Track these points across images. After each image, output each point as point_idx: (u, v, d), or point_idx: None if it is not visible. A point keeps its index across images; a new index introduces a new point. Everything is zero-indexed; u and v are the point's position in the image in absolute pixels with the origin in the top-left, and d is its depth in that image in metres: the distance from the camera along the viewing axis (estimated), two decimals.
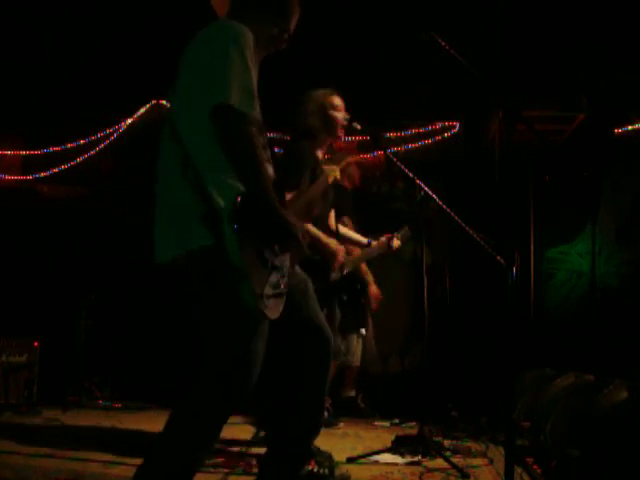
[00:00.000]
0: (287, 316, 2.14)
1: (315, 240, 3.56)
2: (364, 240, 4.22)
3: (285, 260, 2.06)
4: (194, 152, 1.94)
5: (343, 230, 4.05)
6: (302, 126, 3.63)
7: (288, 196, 3.42)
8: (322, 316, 2.31)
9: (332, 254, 3.64)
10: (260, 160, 1.93)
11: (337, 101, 3.62)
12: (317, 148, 3.60)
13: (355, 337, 4.95)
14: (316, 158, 3.57)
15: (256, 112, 2.03)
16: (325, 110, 3.58)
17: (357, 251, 4.22)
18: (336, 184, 3.74)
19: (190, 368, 1.98)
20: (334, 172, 3.16)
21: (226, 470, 3.02)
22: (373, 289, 4.18)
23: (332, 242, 3.67)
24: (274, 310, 1.97)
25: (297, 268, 2.26)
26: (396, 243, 4.16)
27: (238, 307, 1.90)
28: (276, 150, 6.39)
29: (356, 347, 4.98)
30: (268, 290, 1.93)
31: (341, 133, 3.63)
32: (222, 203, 1.87)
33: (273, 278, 1.96)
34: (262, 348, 1.99)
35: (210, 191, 1.89)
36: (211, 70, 1.94)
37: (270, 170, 2.12)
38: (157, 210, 2.06)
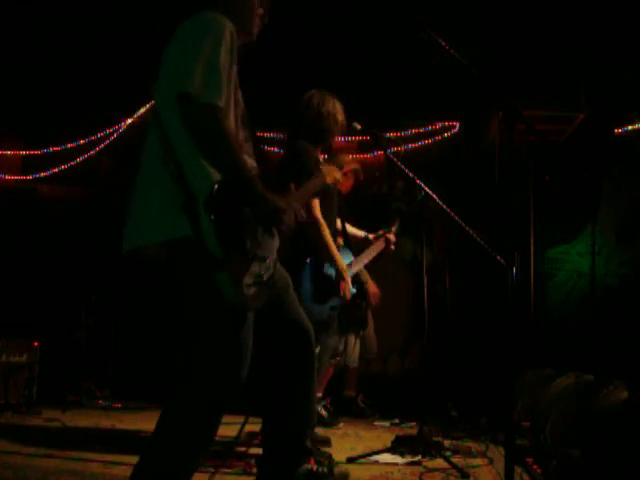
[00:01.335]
0: (269, 312, 2.14)
1: (330, 255, 3.63)
2: (361, 234, 4.28)
3: (270, 252, 2.04)
4: (175, 142, 1.94)
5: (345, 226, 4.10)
6: (306, 126, 3.66)
7: (317, 202, 3.51)
8: (302, 311, 2.32)
9: (341, 271, 3.70)
10: (232, 144, 1.92)
11: (338, 105, 3.70)
12: (317, 148, 3.66)
13: (353, 338, 4.96)
14: (317, 158, 3.63)
15: (240, 102, 2.04)
16: (335, 114, 3.64)
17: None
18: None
19: (179, 364, 1.97)
20: (334, 173, 3.16)
21: (226, 470, 3.02)
22: (371, 286, 4.21)
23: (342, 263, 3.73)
24: (256, 299, 1.94)
25: (278, 264, 2.25)
26: (392, 238, 4.23)
27: (218, 298, 1.88)
28: (276, 150, 6.41)
29: (354, 348, 4.99)
30: (248, 279, 1.90)
31: (338, 136, 3.72)
32: (200, 192, 1.86)
33: (255, 268, 1.94)
34: (249, 339, 1.97)
35: (189, 180, 1.89)
36: (180, 61, 1.94)
37: (251, 162, 2.11)
38: (135, 197, 2.05)
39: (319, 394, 4.29)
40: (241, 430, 3.43)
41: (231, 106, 2.03)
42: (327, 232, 3.61)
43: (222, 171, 1.91)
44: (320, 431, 3.90)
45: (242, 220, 1.92)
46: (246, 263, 1.91)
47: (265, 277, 1.98)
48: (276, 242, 2.10)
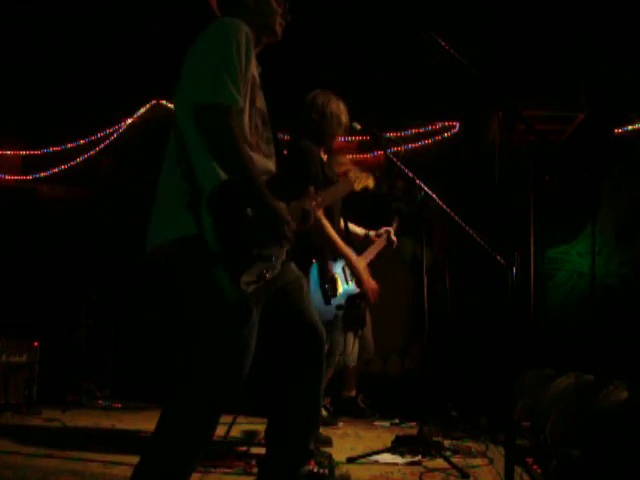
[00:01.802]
0: (282, 314, 2.14)
1: (338, 251, 3.65)
2: (362, 232, 4.28)
3: (276, 253, 2.04)
4: (189, 142, 1.99)
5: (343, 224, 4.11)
6: (309, 126, 3.67)
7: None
8: (315, 313, 2.32)
9: (352, 265, 3.71)
10: (239, 149, 1.94)
11: (343, 105, 3.71)
12: (320, 148, 3.67)
13: (352, 338, 4.96)
14: (321, 158, 3.66)
15: (260, 104, 2.10)
16: (339, 115, 3.66)
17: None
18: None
19: (179, 364, 1.97)
20: (366, 181, 3.19)
21: (226, 470, 3.02)
22: (370, 283, 4.24)
23: (352, 255, 3.75)
24: (254, 297, 1.94)
25: (292, 265, 2.25)
26: (394, 238, 4.25)
27: (219, 297, 1.89)
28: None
29: (352, 348, 4.99)
30: (247, 277, 1.91)
31: (341, 137, 3.73)
32: (207, 191, 1.90)
33: (256, 268, 1.94)
34: (251, 339, 1.97)
35: (199, 179, 1.92)
36: (198, 66, 2.00)
37: (267, 164, 2.12)
38: (155, 196, 2.09)
39: None
40: (229, 430, 3.44)
41: (246, 107, 2.05)
42: (331, 229, 3.61)
43: (230, 174, 1.94)
44: (321, 431, 3.90)
45: (244, 220, 1.92)
46: (247, 262, 1.92)
47: (268, 276, 1.98)
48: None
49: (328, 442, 3.72)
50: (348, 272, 3.80)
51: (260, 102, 2.16)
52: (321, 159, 3.68)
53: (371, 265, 4.33)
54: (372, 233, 4.29)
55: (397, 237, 4.39)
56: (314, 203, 2.34)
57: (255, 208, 1.95)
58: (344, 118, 3.70)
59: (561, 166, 5.44)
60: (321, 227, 3.58)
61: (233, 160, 1.94)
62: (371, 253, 4.19)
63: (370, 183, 3.22)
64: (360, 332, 4.77)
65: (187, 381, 1.94)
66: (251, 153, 2.03)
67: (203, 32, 2.07)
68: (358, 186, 3.14)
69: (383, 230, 4.28)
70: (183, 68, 2.09)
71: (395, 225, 4.36)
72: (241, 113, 2.03)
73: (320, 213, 3.57)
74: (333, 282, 3.66)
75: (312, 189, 2.37)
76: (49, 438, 3.89)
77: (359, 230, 4.29)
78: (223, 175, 1.93)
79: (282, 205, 2.06)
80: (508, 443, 2.12)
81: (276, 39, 2.29)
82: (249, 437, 3.87)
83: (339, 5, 5.36)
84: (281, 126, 5.98)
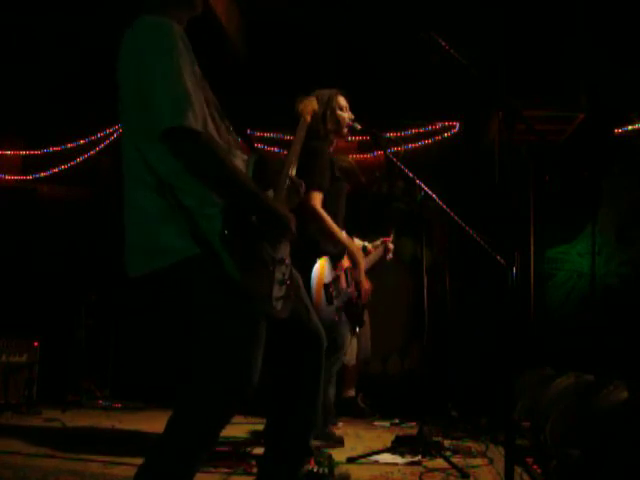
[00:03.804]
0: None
1: (337, 240, 3.63)
2: (360, 244, 4.28)
3: (284, 250, 2.05)
4: (161, 169, 1.90)
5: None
6: (311, 127, 3.67)
7: (318, 196, 3.51)
8: (313, 312, 2.31)
9: (351, 253, 3.71)
10: (231, 166, 1.89)
11: (343, 102, 3.72)
12: (329, 146, 3.67)
13: (349, 337, 4.96)
14: (330, 154, 3.65)
15: (210, 98, 2.00)
16: (334, 111, 3.66)
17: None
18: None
19: (188, 367, 1.97)
20: (311, 105, 3.08)
21: (226, 470, 3.02)
22: (365, 284, 4.25)
23: (351, 243, 3.74)
24: (284, 310, 1.99)
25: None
26: (390, 246, 4.26)
27: (242, 314, 1.89)
28: (276, 150, 6.39)
29: (350, 346, 4.99)
30: (277, 291, 1.93)
31: (347, 133, 3.71)
32: (207, 219, 1.84)
33: (279, 274, 1.96)
34: (261, 343, 1.97)
35: (188, 205, 1.86)
36: (146, 87, 1.86)
37: (242, 156, 2.08)
38: (128, 220, 2.00)
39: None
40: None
41: (204, 109, 1.95)
42: (330, 221, 3.57)
43: (228, 198, 1.88)
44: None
45: (255, 232, 1.92)
46: (271, 273, 1.93)
47: (287, 281, 2.00)
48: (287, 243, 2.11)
49: (341, 442, 3.73)
50: (350, 273, 3.79)
51: (210, 96, 2.06)
52: (331, 159, 3.68)
53: (370, 267, 4.33)
54: (369, 246, 4.29)
55: (395, 242, 4.39)
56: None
57: (259, 216, 1.94)
58: (345, 115, 3.69)
59: (561, 166, 5.44)
60: (319, 219, 3.53)
61: (227, 183, 1.87)
62: (369, 262, 4.19)
63: (315, 105, 3.08)
64: (357, 330, 4.77)
65: (200, 385, 1.93)
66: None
67: (131, 40, 1.97)
68: (309, 118, 3.02)
69: (380, 242, 4.30)
70: (122, 82, 1.95)
71: (392, 236, 4.37)
72: (204, 117, 1.93)
73: (317, 205, 3.54)
74: (336, 282, 3.66)
75: (285, 156, 2.37)
76: (49, 438, 3.89)
77: (357, 242, 4.29)
78: (213, 195, 1.86)
79: (270, 195, 2.06)
80: (508, 443, 2.11)
81: (197, 13, 2.13)
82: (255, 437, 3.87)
83: (339, 5, 5.36)
84: (281, 126, 6.00)
